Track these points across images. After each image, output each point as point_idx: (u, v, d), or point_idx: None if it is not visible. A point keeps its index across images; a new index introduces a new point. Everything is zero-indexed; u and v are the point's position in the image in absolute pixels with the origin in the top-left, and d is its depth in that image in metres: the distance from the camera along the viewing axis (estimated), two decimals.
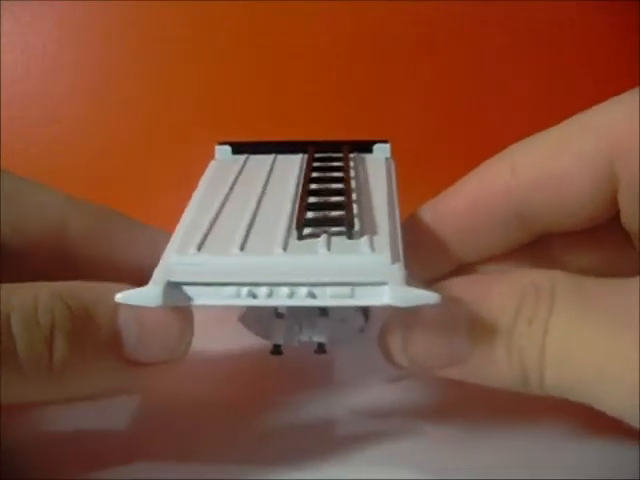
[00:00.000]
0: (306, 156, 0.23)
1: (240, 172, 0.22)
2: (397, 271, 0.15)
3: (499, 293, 0.16)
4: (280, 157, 0.23)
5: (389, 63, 0.46)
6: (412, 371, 0.18)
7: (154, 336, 0.16)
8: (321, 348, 0.19)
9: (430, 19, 0.49)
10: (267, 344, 0.19)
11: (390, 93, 0.48)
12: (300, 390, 0.22)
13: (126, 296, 0.15)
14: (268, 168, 0.22)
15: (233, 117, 0.40)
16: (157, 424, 0.20)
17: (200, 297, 0.15)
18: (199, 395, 0.22)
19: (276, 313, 0.19)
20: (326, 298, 0.15)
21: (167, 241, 0.19)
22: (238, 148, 0.24)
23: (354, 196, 0.19)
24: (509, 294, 0.16)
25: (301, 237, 0.17)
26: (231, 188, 0.21)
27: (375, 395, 0.22)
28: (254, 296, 0.15)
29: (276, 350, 0.19)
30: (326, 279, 0.15)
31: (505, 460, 0.18)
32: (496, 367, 0.16)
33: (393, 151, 0.24)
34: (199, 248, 0.16)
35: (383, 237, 0.17)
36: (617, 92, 0.19)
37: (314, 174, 0.21)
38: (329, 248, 0.16)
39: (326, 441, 0.19)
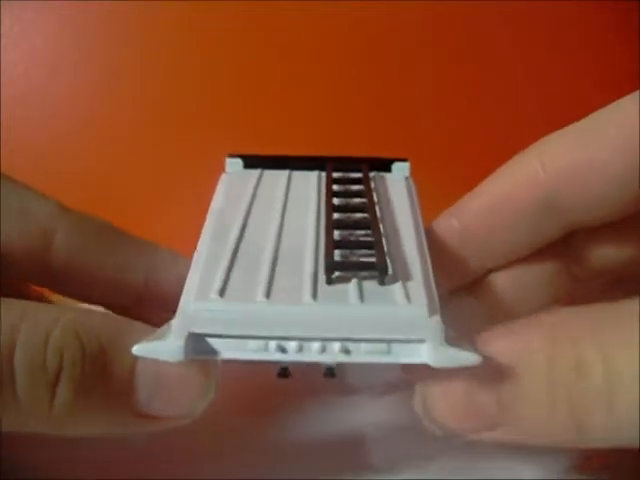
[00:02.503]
0: (323, 174, 0.22)
1: (254, 193, 0.21)
2: (436, 326, 0.14)
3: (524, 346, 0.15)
4: (295, 174, 0.22)
5: (404, 74, 0.46)
6: (447, 435, 0.16)
7: (172, 392, 0.15)
8: (330, 372, 0.18)
9: (447, 31, 0.49)
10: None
11: (406, 107, 0.47)
12: (307, 404, 0.22)
13: (144, 348, 0.14)
14: (284, 188, 0.21)
15: (241, 120, 0.40)
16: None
17: (224, 350, 0.14)
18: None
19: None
20: (361, 354, 0.14)
21: (167, 261, 0.18)
22: (250, 162, 0.23)
23: (381, 228, 0.18)
24: (535, 344, 0.15)
25: (330, 282, 0.16)
26: (247, 214, 0.19)
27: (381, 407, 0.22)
28: (283, 350, 0.14)
29: (283, 373, 0.18)
30: (361, 335, 0.14)
31: None
32: (539, 425, 0.14)
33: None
34: (221, 293, 0.15)
35: (417, 283, 0.16)
36: (623, 92, 0.18)
37: (335, 200, 0.20)
38: (362, 298, 0.15)
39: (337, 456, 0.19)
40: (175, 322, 0.15)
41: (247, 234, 0.18)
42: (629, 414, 0.13)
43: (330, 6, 0.42)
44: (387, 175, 0.23)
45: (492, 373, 0.14)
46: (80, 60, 0.41)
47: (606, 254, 0.20)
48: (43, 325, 0.14)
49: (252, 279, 0.16)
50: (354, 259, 0.17)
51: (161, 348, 0.14)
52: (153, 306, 0.20)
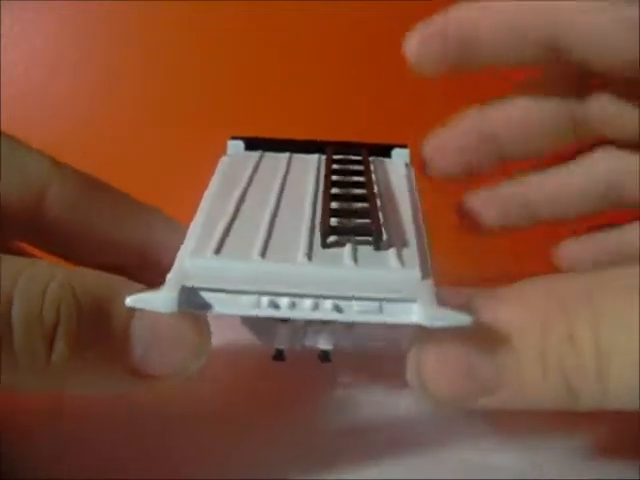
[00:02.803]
0: (323, 157, 0.22)
1: (255, 170, 0.21)
2: (427, 288, 0.15)
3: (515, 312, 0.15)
4: (296, 157, 0.23)
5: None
6: (443, 404, 0.16)
7: (166, 348, 0.15)
8: (326, 356, 0.19)
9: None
10: (267, 348, 0.19)
11: (405, 94, 0.47)
12: (304, 397, 0.22)
13: (137, 299, 0.14)
14: (284, 168, 0.22)
15: (239, 113, 0.40)
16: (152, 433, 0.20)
17: (217, 305, 0.14)
18: (198, 404, 0.21)
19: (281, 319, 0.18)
20: (353, 313, 0.14)
21: (167, 227, 0.18)
22: (251, 144, 0.23)
23: (378, 203, 0.18)
24: (529, 312, 0.15)
25: (325, 245, 0.16)
26: (247, 187, 0.20)
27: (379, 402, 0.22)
28: (276, 306, 0.14)
29: (279, 355, 0.19)
30: (354, 293, 0.14)
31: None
32: (534, 390, 0.15)
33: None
34: (217, 251, 0.15)
35: (412, 250, 0.16)
36: None
37: (334, 177, 0.20)
38: (356, 260, 0.15)
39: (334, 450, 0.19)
40: (170, 276, 0.15)
41: (246, 203, 0.19)
42: (618, 382, 0.14)
43: None
44: (387, 160, 0.23)
45: (488, 338, 0.14)
46: (80, 60, 0.41)
47: (607, 115, 0.22)
48: (40, 279, 0.14)
49: (248, 240, 0.16)
50: (350, 225, 0.17)
51: (155, 299, 0.14)
52: (147, 271, 0.19)
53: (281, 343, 0.18)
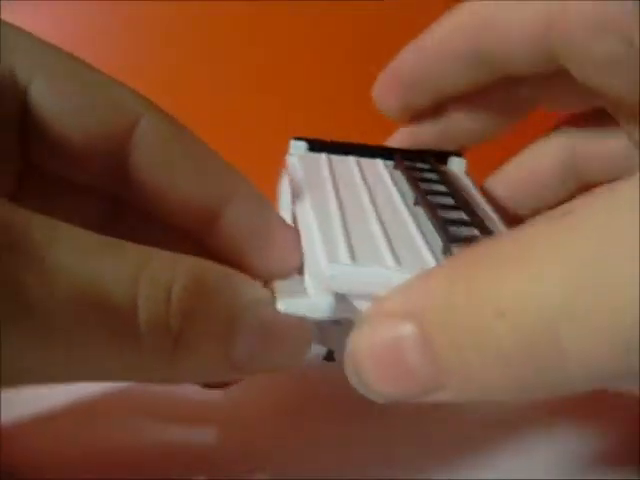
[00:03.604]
0: (387, 162, 0.23)
1: (332, 173, 0.21)
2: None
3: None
4: (362, 160, 0.23)
5: None
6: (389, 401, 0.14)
7: (276, 345, 0.15)
8: (330, 356, 0.19)
9: None
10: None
11: None
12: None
13: (289, 305, 0.15)
14: (358, 172, 0.22)
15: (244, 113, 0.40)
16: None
17: (360, 310, 0.15)
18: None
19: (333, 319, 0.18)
20: None
21: (245, 189, 0.18)
22: (314, 145, 0.23)
23: (478, 213, 0.19)
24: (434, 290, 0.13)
25: (449, 253, 0.17)
26: (336, 191, 0.20)
27: None
28: None
29: (329, 356, 0.19)
30: None
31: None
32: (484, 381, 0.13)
33: None
34: (353, 258, 0.16)
35: None
36: None
37: (423, 185, 0.21)
38: None
39: None
40: (312, 281, 0.16)
41: (346, 208, 0.19)
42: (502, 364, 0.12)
43: None
44: (445, 167, 0.24)
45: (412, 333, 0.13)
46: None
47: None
48: (162, 281, 0.14)
49: (374, 247, 0.16)
50: (467, 234, 0.18)
51: (309, 305, 0.15)
52: (214, 239, 0.18)
53: (333, 346, 0.19)
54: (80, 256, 0.13)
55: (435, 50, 0.23)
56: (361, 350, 0.14)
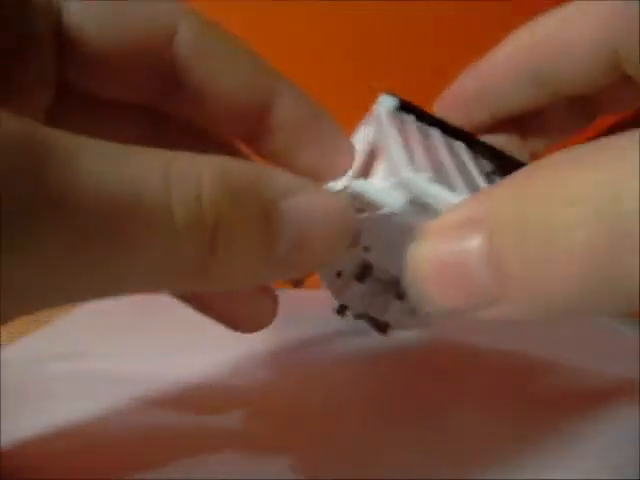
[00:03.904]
0: (463, 144, 0.23)
1: (420, 130, 0.22)
2: None
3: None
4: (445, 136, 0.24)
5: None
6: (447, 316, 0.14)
7: (320, 236, 0.15)
8: (383, 328, 0.20)
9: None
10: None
11: None
12: None
13: (363, 185, 0.16)
14: (443, 141, 0.22)
15: None
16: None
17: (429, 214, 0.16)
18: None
19: (357, 276, 0.19)
20: None
21: (287, 90, 0.18)
22: (404, 105, 0.23)
23: None
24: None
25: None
26: (420, 141, 0.20)
27: None
28: None
29: (341, 310, 0.20)
30: None
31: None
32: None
33: None
34: (429, 176, 0.17)
35: None
36: None
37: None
38: None
39: None
40: (387, 179, 0.17)
41: (427, 148, 0.20)
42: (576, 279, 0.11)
43: None
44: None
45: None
46: None
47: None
48: (191, 180, 0.13)
49: (448, 177, 0.18)
50: None
51: (381, 191, 0.16)
52: (261, 142, 0.18)
53: (347, 302, 0.19)
54: (107, 159, 0.12)
55: (497, 70, 0.23)
56: (423, 261, 0.13)
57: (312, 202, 0.14)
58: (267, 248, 0.14)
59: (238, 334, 0.19)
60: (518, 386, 0.26)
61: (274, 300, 0.20)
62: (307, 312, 0.36)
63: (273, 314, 0.20)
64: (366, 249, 0.18)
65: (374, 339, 0.21)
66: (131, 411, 0.23)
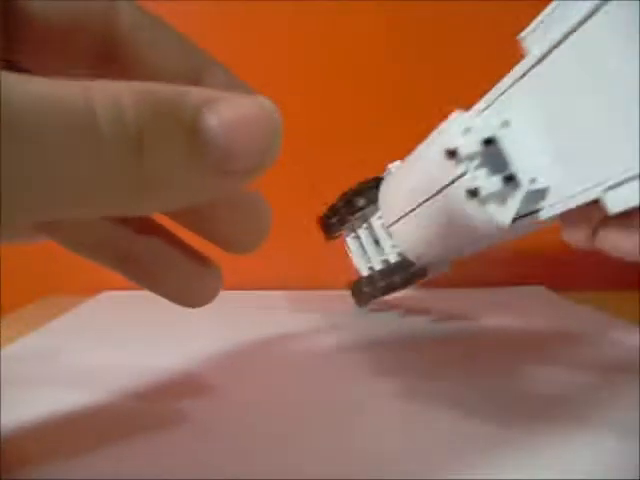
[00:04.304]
0: None
1: None
2: None
3: None
4: None
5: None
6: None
7: (250, 136, 0.14)
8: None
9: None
10: None
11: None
12: None
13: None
14: None
15: None
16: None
17: None
18: None
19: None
20: None
21: (221, 74, 0.19)
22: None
23: None
24: None
25: None
26: None
27: None
28: None
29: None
30: None
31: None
32: None
33: None
34: None
35: None
36: None
37: None
38: None
39: None
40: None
41: None
42: None
43: None
44: None
45: None
46: None
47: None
48: (111, 88, 0.13)
49: None
50: None
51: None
52: None
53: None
54: (31, 79, 0.12)
55: None
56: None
57: (235, 107, 0.14)
58: (195, 157, 0.14)
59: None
60: (516, 381, 0.26)
61: (219, 274, 0.20)
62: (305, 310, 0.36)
63: (218, 288, 0.20)
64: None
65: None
66: (119, 402, 0.24)
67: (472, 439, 0.20)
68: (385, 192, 0.29)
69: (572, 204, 0.19)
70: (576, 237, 0.20)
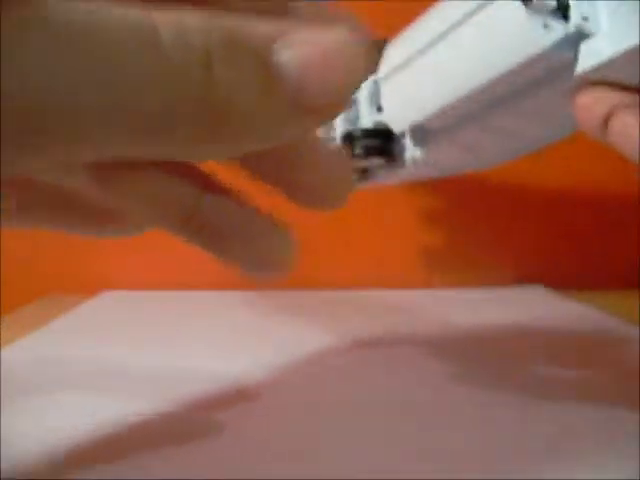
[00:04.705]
0: None
1: None
2: None
3: None
4: None
5: None
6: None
7: (317, 81, 0.14)
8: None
9: None
10: None
11: None
12: None
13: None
14: None
15: None
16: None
17: None
18: None
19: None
20: None
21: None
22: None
23: None
24: None
25: None
26: None
27: None
28: None
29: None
30: None
31: None
32: None
33: None
34: None
35: None
36: None
37: None
38: None
39: None
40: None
41: None
42: None
43: None
44: None
45: None
46: None
47: None
48: (172, 15, 0.13)
49: None
50: None
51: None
52: None
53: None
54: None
55: None
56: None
57: (309, 42, 0.14)
58: (268, 90, 0.13)
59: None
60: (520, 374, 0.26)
61: (292, 237, 0.19)
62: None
63: (293, 253, 0.19)
64: None
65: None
66: (119, 402, 0.23)
67: (472, 439, 0.21)
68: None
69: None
70: (590, 122, 0.21)
